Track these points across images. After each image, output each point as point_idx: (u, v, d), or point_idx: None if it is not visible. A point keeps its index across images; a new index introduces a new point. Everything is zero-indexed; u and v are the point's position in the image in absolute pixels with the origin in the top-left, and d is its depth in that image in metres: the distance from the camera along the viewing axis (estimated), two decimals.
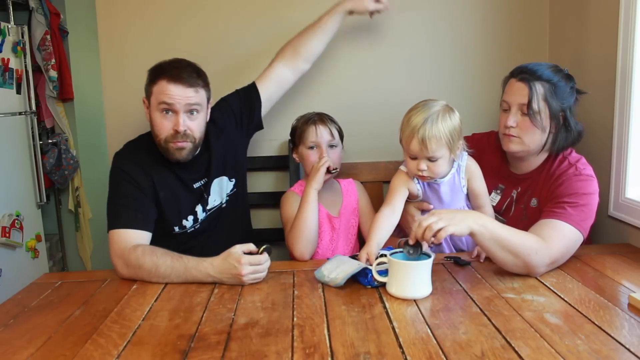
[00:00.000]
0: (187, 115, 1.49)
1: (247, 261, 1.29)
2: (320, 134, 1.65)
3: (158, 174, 1.54)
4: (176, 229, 1.59)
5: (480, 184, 1.52)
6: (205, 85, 1.54)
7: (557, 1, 2.00)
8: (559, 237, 1.32)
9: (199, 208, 1.61)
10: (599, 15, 1.72)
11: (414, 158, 1.43)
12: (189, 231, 1.61)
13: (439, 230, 1.20)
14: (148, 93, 1.53)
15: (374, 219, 1.47)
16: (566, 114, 1.47)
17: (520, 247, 1.27)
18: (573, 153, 1.52)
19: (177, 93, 1.46)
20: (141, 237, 1.44)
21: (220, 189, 1.66)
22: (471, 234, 1.26)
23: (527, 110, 1.44)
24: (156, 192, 1.53)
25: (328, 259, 1.44)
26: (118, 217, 1.46)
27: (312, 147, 1.66)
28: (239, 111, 1.75)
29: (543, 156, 1.54)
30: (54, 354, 1.00)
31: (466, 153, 1.52)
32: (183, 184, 1.59)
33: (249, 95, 1.76)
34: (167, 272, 1.34)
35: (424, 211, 1.54)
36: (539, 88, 1.44)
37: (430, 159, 1.40)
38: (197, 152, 1.57)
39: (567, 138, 1.49)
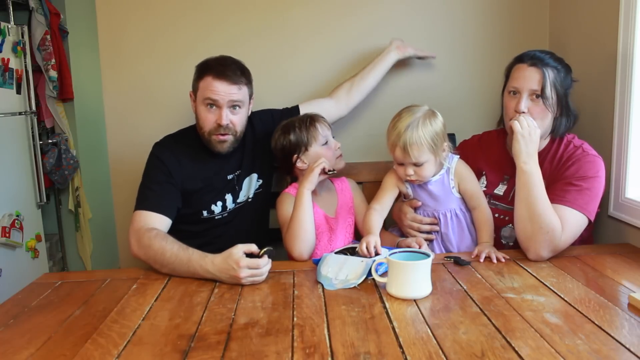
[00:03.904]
0: (230, 110, 1.60)
1: (245, 264, 1.29)
2: (325, 131, 1.68)
3: (194, 165, 1.64)
4: (204, 213, 1.68)
5: (471, 185, 1.54)
6: (248, 82, 1.64)
7: None
8: (565, 226, 1.38)
9: (228, 197, 1.71)
10: (598, 12, 1.72)
11: (401, 164, 1.48)
12: (216, 218, 1.70)
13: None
14: (195, 88, 1.63)
15: (367, 214, 1.54)
16: (567, 99, 1.52)
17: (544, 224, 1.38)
18: (576, 138, 1.57)
19: (222, 89, 1.56)
20: (161, 221, 1.52)
21: (250, 186, 1.75)
22: None
23: (541, 95, 1.47)
24: (188, 183, 1.62)
25: (315, 260, 1.44)
26: (144, 199, 1.56)
27: (325, 142, 1.67)
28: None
29: (544, 141, 1.57)
30: (54, 354, 1.00)
31: (457, 156, 1.54)
32: (217, 175, 1.68)
33: (291, 115, 1.82)
34: (172, 259, 1.38)
35: (416, 209, 1.58)
36: (550, 74, 1.47)
37: (416, 164, 1.45)
38: (232, 148, 1.66)
39: (567, 122, 1.54)
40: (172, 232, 1.53)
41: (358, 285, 1.28)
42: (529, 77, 1.48)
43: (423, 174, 1.47)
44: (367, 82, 1.93)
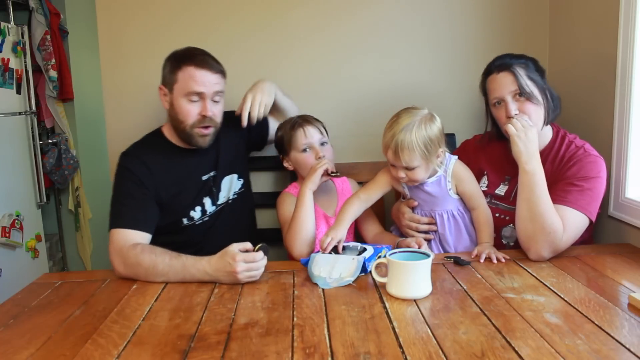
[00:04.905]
0: (212, 101, 1.55)
1: (241, 258, 1.29)
2: (310, 134, 1.65)
3: (166, 168, 1.58)
4: (184, 220, 1.61)
5: (469, 186, 1.53)
6: (225, 73, 1.60)
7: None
8: (566, 227, 1.39)
9: (207, 200, 1.65)
10: (598, 14, 1.72)
11: (393, 165, 1.47)
12: (197, 223, 1.63)
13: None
14: (170, 81, 1.55)
15: (349, 200, 1.55)
16: (546, 85, 1.53)
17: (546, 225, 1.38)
18: (577, 138, 1.57)
19: (207, 79, 1.51)
20: (141, 237, 1.45)
21: (230, 187, 1.71)
22: None
23: (522, 92, 1.48)
24: (165, 187, 1.56)
25: (304, 261, 1.44)
26: (120, 216, 1.47)
27: (305, 150, 1.66)
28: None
29: (544, 137, 1.57)
30: (54, 354, 1.00)
31: (455, 157, 1.54)
32: (191, 176, 1.62)
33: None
34: (165, 270, 1.34)
35: (413, 209, 1.58)
36: (519, 70, 1.49)
37: (407, 168, 1.44)
38: (213, 141, 1.62)
39: (555, 107, 1.55)
40: (155, 245, 1.45)
41: (353, 282, 1.29)
42: (503, 82, 1.50)
43: (415, 178, 1.47)
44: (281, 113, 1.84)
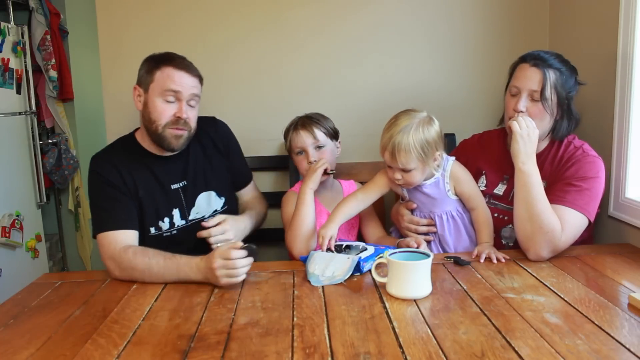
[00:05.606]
0: (188, 105, 1.52)
1: (219, 253, 1.26)
2: (302, 139, 1.65)
3: (135, 172, 1.54)
4: (152, 229, 1.55)
5: (468, 187, 1.53)
6: (202, 80, 1.58)
7: None
8: (565, 227, 1.39)
9: (175, 212, 1.58)
10: (598, 13, 1.72)
11: (390, 167, 1.48)
12: (164, 235, 1.57)
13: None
14: (147, 81, 1.52)
15: (346, 199, 1.56)
16: (570, 102, 1.51)
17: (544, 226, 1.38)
18: (576, 139, 1.57)
19: (184, 81, 1.50)
20: (129, 236, 1.44)
21: (208, 204, 1.64)
22: None
23: (540, 96, 1.47)
24: (134, 191, 1.52)
25: (303, 258, 1.45)
26: (103, 220, 1.46)
27: (300, 152, 1.67)
28: (225, 144, 1.75)
29: (544, 142, 1.57)
30: (54, 354, 1.00)
31: (452, 158, 1.54)
32: (160, 183, 1.57)
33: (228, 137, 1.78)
34: (161, 272, 1.33)
35: (412, 210, 1.58)
36: (551, 75, 1.47)
37: (404, 170, 1.44)
38: (185, 146, 1.58)
39: (569, 125, 1.54)
40: None
41: (344, 281, 1.30)
42: (529, 77, 1.48)
43: (410, 180, 1.47)
44: None
